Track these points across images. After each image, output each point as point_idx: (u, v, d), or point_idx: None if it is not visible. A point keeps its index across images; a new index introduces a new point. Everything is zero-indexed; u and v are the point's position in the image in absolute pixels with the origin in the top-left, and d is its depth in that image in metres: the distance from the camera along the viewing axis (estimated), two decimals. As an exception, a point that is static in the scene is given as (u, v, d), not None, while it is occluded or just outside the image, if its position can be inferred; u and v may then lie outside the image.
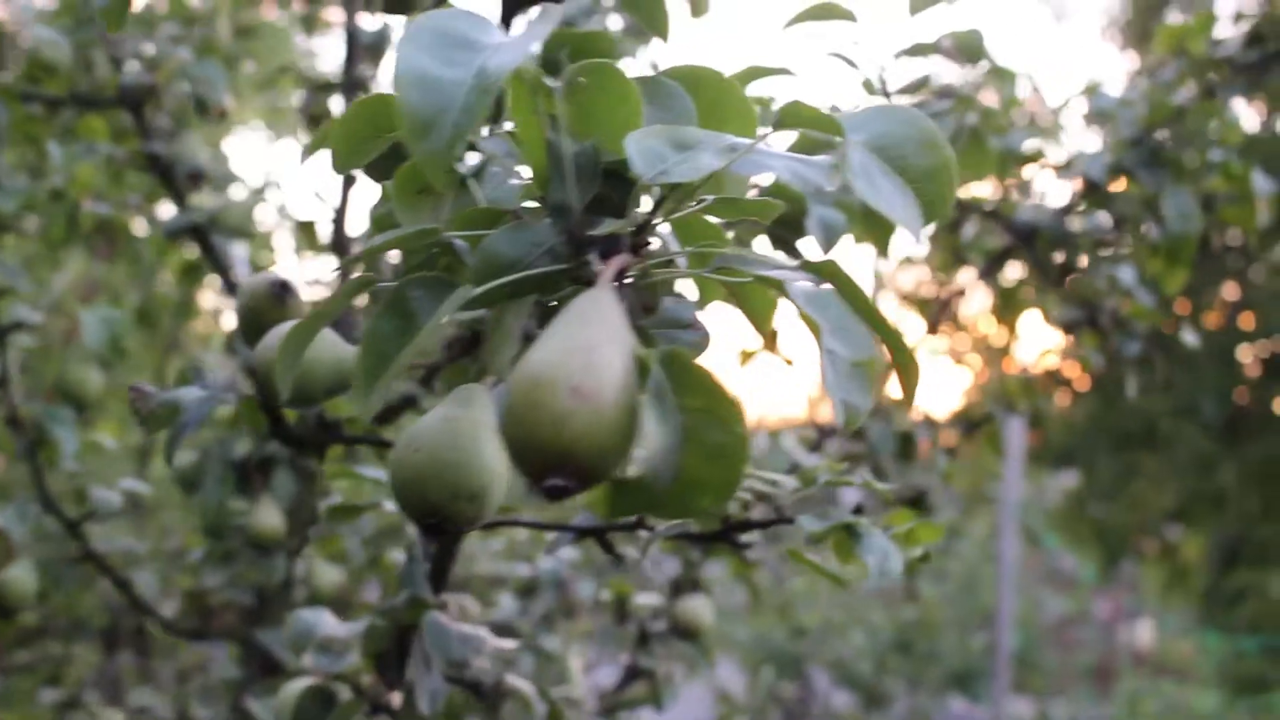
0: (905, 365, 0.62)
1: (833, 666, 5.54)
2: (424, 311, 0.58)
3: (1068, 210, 1.95)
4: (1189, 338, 2.05)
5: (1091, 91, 1.94)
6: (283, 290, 0.98)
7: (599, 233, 0.61)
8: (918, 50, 1.26)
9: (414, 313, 0.58)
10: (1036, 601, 7.04)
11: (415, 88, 0.53)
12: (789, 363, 2.01)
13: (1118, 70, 12.38)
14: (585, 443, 0.51)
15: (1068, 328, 1.98)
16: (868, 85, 1.29)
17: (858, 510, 0.99)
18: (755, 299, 0.77)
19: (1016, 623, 6.29)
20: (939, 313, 2.07)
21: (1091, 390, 10.67)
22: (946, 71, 1.35)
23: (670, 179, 0.58)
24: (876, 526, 0.98)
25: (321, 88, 2.13)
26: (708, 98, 0.79)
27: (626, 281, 0.64)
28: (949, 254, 2.06)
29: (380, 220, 0.77)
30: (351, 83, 2.04)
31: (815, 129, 0.59)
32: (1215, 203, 2.01)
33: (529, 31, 0.56)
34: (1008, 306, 2.10)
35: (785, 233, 1.15)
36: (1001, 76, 1.27)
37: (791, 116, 0.60)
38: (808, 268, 0.60)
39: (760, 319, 0.81)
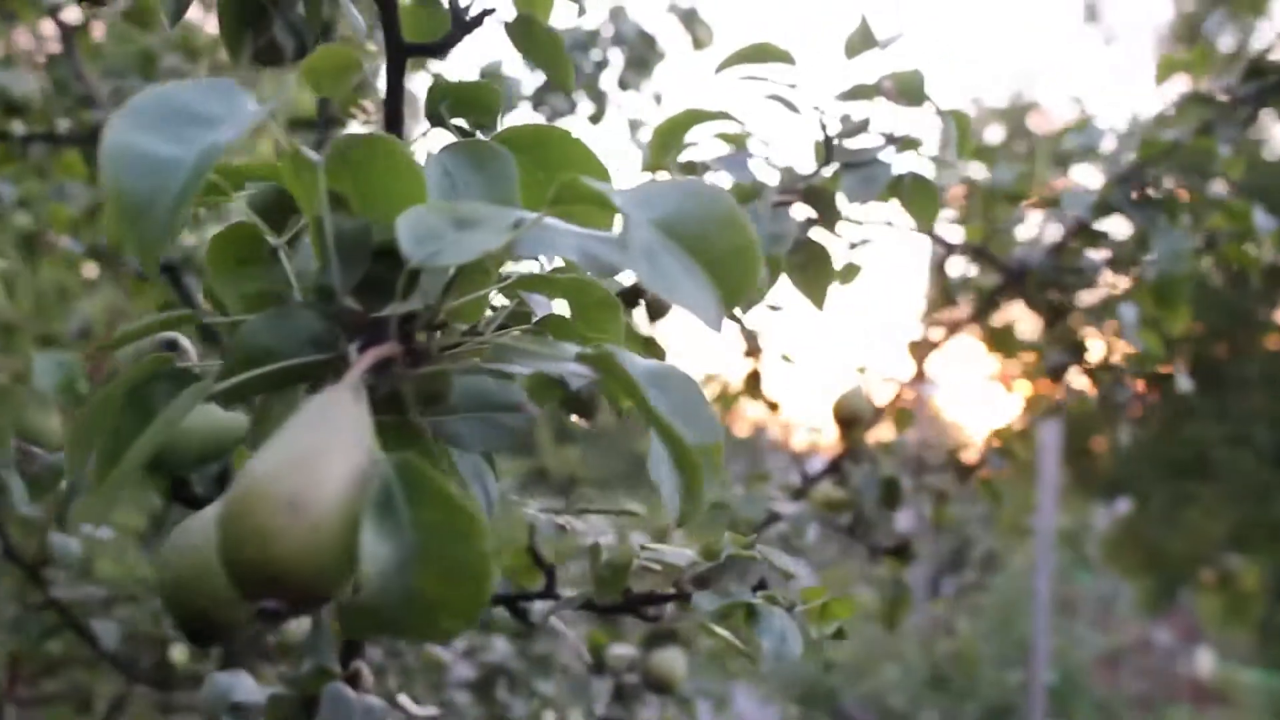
0: (688, 473, 0.57)
1: (867, 701, 5.46)
2: (164, 407, 0.54)
3: (1059, 248, 1.89)
4: (1183, 382, 1.98)
5: (1080, 126, 1.89)
6: (172, 350, 0.93)
7: (384, 314, 0.57)
8: (858, 93, 1.21)
9: (153, 408, 0.54)
10: (1075, 635, 6.89)
11: (127, 168, 0.48)
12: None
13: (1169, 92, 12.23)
14: (299, 562, 0.46)
15: (1054, 371, 1.91)
16: (823, 125, 1.24)
17: (759, 586, 0.94)
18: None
19: (1055, 657, 6.17)
20: (925, 355, 2.01)
21: (1143, 418, 10.52)
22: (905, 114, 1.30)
23: (441, 260, 0.53)
24: (779, 605, 0.92)
25: (300, 124, 2.09)
26: (554, 159, 0.74)
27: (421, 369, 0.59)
28: (939, 293, 2.00)
29: (209, 291, 0.72)
30: (328, 120, 2.00)
31: (592, 206, 0.54)
32: (1218, 240, 1.94)
33: (262, 106, 0.51)
34: (1001, 347, 2.04)
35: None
36: (949, 118, 1.21)
37: (568, 193, 0.55)
38: (581, 359, 0.55)
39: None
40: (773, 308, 2.15)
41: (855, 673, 5.43)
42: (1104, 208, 1.82)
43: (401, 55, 0.95)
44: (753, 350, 1.91)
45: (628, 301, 1.15)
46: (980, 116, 11.19)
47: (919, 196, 1.22)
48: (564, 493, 4.75)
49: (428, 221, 0.55)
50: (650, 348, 1.20)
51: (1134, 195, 1.81)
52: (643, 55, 2.70)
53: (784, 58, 1.22)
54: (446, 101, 0.92)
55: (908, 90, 1.18)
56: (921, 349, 2.02)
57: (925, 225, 1.25)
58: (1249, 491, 9.97)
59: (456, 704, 1.87)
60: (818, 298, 1.17)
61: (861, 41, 1.18)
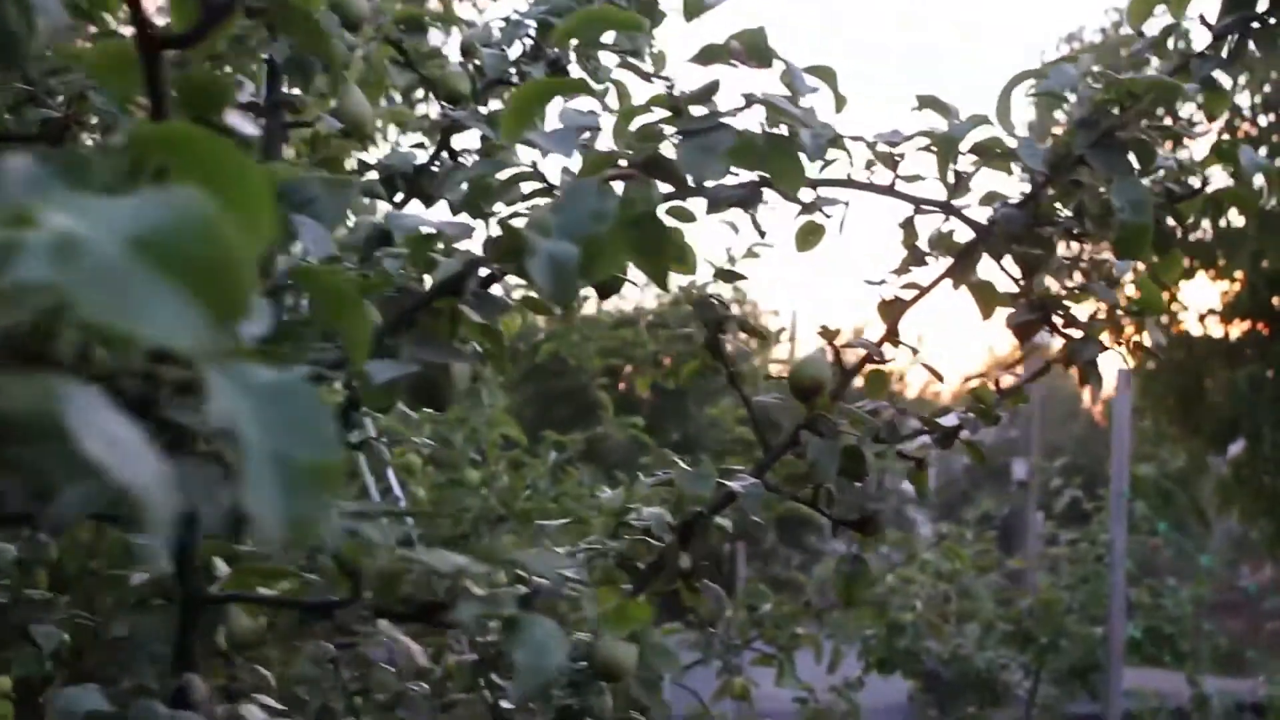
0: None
1: (948, 662, 5.36)
2: None
3: (1027, 202, 1.80)
4: (1153, 336, 1.88)
5: (1043, 72, 1.79)
6: None
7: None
8: (708, 55, 1.14)
9: None
10: (1162, 588, 6.67)
11: None
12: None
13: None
14: None
15: (1020, 330, 1.82)
16: (669, 91, 1.17)
17: (528, 597, 0.88)
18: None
19: (1140, 610, 6.01)
20: (898, 315, 1.92)
21: (1256, 357, 10.22)
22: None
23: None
24: (548, 614, 0.86)
25: (248, 108, 2.04)
26: (200, 166, 0.69)
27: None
28: (909, 251, 1.92)
29: None
30: (275, 103, 1.97)
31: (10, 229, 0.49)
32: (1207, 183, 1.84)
33: None
34: (984, 304, 1.95)
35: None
36: (799, 75, 1.14)
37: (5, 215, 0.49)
38: None
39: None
40: (728, 274, 2.09)
41: (920, 634, 5.31)
42: (1067, 156, 1.73)
43: (153, 47, 0.90)
44: (709, 321, 1.85)
45: (453, 290, 1.10)
46: (1078, 51, 10.90)
47: (778, 160, 1.16)
48: (623, 462, 4.70)
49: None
50: (490, 336, 1.15)
51: (1097, 141, 1.72)
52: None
53: (632, 24, 1.16)
54: (180, 91, 0.87)
55: (754, 49, 1.11)
56: (892, 309, 1.94)
57: (792, 190, 1.18)
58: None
59: (414, 697, 1.83)
60: (658, 277, 1.11)
61: (697, 3, 1.11)
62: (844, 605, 1.90)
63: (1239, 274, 10.23)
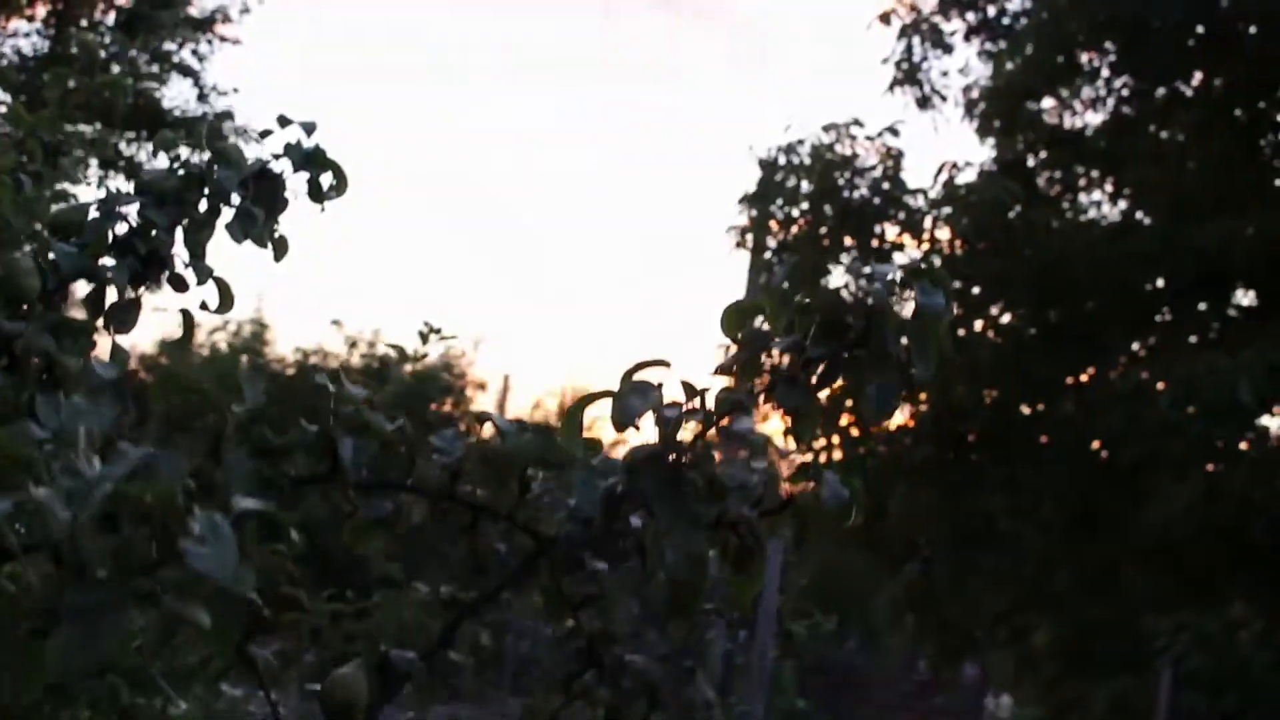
0: None
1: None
2: None
3: (595, 524, 1.68)
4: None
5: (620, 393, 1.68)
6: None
7: None
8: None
9: None
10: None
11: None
12: None
13: (980, 158, 12.07)
14: None
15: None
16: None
17: None
18: None
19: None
20: (452, 624, 1.79)
21: (932, 485, 10.42)
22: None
23: None
24: None
25: None
26: None
27: None
28: (470, 555, 1.79)
29: None
30: None
31: None
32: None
33: None
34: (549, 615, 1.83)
35: None
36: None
37: None
38: None
39: None
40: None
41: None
42: (632, 489, 1.63)
43: None
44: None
45: None
46: (789, 169, 11.00)
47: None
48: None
49: None
50: None
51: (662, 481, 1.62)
52: (248, 210, 2.38)
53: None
54: None
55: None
56: (448, 615, 1.81)
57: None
58: (1033, 562, 9.91)
59: None
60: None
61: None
62: None
63: (925, 397, 10.44)
